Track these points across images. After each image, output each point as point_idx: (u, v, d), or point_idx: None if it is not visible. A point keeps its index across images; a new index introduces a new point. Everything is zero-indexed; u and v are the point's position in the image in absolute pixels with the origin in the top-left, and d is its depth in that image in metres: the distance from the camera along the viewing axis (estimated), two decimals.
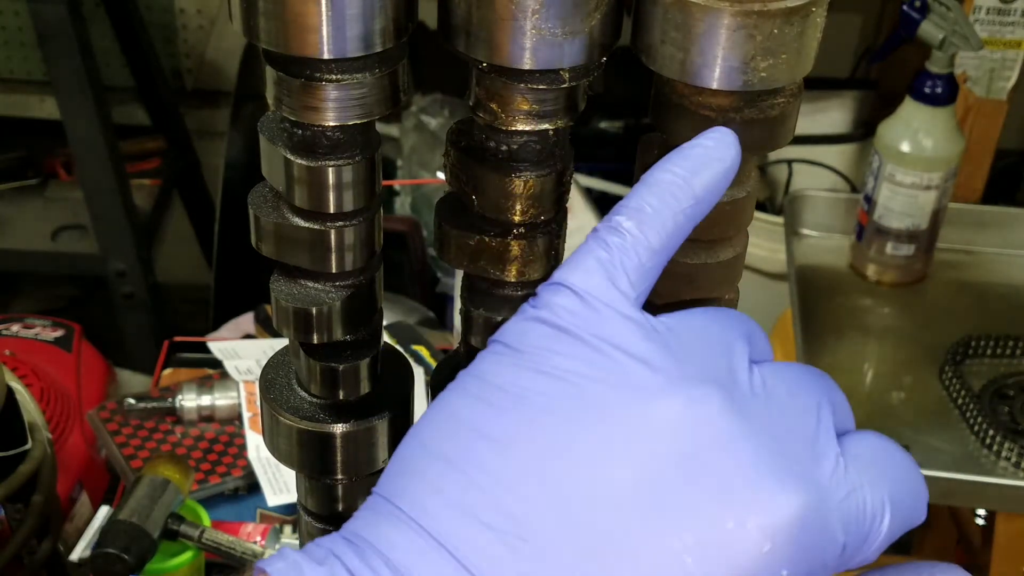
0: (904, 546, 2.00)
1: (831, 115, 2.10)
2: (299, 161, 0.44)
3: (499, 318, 0.48)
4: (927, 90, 1.48)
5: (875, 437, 0.39)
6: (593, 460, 0.35)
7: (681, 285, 0.46)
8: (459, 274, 0.50)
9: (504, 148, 0.44)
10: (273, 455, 0.54)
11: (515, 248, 0.46)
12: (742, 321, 0.40)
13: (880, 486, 0.37)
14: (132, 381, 1.83)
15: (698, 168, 0.39)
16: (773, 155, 2.03)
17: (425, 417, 0.38)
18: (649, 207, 0.38)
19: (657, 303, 0.47)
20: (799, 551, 0.35)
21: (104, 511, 1.12)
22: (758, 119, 0.42)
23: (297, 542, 0.83)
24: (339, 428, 0.51)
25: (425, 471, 0.36)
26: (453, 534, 0.34)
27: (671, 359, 0.36)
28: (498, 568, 0.34)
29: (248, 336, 1.58)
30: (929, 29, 1.46)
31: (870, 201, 1.55)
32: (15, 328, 1.69)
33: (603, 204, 2.06)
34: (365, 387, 0.52)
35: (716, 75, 0.40)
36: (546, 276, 0.48)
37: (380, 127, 0.47)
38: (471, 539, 0.34)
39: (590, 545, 0.34)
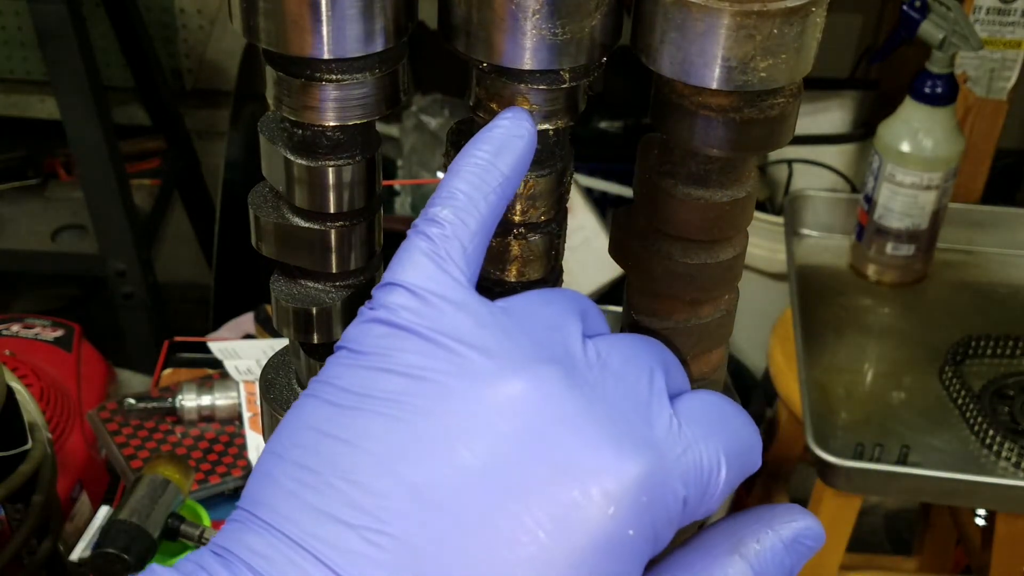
0: (905, 546, 2.00)
1: (831, 115, 2.09)
2: (299, 161, 0.45)
3: None
4: (927, 90, 1.48)
5: (707, 395, 0.41)
6: (440, 448, 0.36)
7: (681, 285, 0.46)
8: None
9: None
10: None
11: (515, 248, 0.46)
12: (575, 299, 0.41)
13: (714, 440, 0.39)
14: (132, 381, 1.83)
15: (500, 148, 0.41)
16: (773, 155, 2.03)
17: (279, 428, 0.39)
18: (461, 193, 0.40)
19: (656, 302, 0.47)
20: (643, 510, 0.36)
21: (104, 511, 1.12)
22: (758, 119, 0.42)
23: None
24: None
25: (280, 478, 0.37)
26: (312, 536, 0.35)
27: (507, 342, 0.38)
28: (359, 563, 0.35)
29: (248, 336, 1.58)
30: (929, 29, 1.46)
31: (870, 201, 1.55)
32: (15, 328, 1.70)
33: (603, 204, 2.06)
34: None
35: (716, 75, 0.40)
36: (546, 276, 0.48)
37: (380, 127, 0.47)
38: (330, 539, 0.35)
39: (445, 531, 0.35)
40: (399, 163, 2.13)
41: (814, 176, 2.01)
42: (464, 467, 0.36)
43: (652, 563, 0.39)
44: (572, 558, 0.35)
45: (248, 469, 1.28)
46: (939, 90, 1.48)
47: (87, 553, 1.07)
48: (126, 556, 1.02)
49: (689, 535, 0.41)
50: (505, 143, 0.41)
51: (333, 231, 0.46)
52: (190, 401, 1.36)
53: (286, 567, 0.35)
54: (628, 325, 0.49)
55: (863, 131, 2.06)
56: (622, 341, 0.40)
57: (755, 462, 0.41)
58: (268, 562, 0.36)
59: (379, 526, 0.35)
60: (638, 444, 0.37)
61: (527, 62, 0.41)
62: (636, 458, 0.36)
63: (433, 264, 0.39)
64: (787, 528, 0.41)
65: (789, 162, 2.04)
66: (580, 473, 0.36)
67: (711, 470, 0.38)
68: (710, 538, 0.41)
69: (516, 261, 0.46)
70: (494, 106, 0.43)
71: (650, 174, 0.45)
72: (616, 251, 0.48)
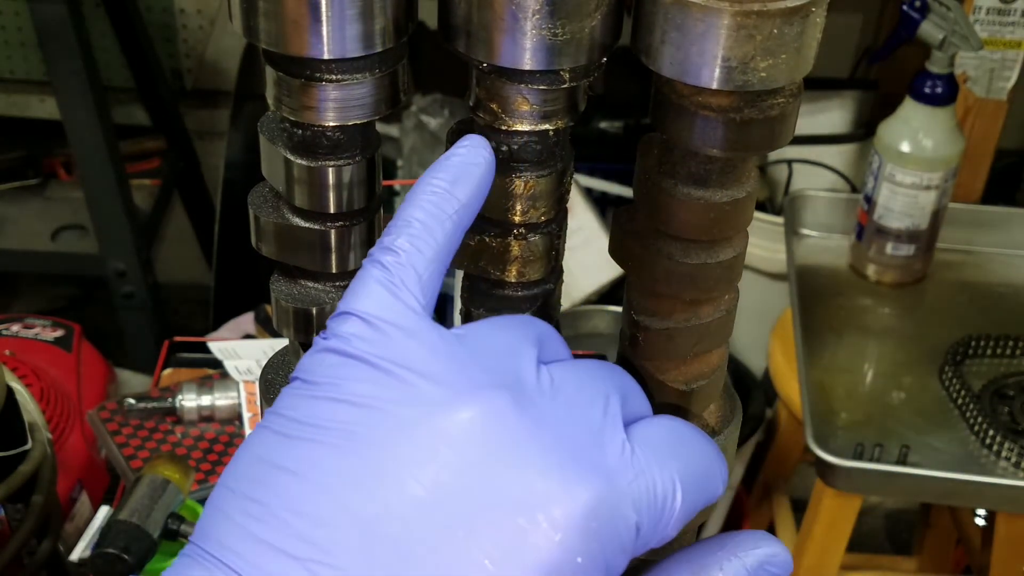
0: (905, 546, 2.00)
1: (831, 115, 2.09)
2: (299, 161, 0.45)
3: None
4: (927, 90, 1.48)
5: (666, 420, 0.41)
6: (387, 478, 0.36)
7: (681, 285, 0.46)
8: (459, 274, 0.50)
9: (504, 148, 0.44)
10: None
11: (515, 248, 0.46)
12: (531, 325, 0.41)
13: (668, 466, 0.38)
14: (132, 381, 1.83)
15: (457, 176, 0.41)
16: (773, 155, 2.03)
17: (232, 460, 0.39)
18: (416, 221, 0.40)
19: (656, 302, 0.47)
20: (591, 537, 0.36)
21: (104, 511, 1.12)
22: (758, 119, 0.42)
23: None
24: None
25: (230, 511, 0.37)
26: (257, 567, 0.35)
27: (458, 369, 0.37)
28: None
29: (248, 336, 1.58)
30: (929, 29, 1.46)
31: (870, 201, 1.55)
32: (15, 328, 1.70)
33: (603, 204, 2.06)
34: None
35: (716, 75, 0.40)
36: (546, 276, 0.48)
37: (380, 127, 0.47)
38: (275, 571, 0.35)
39: (391, 562, 0.35)
40: (399, 163, 2.13)
41: (814, 176, 2.02)
42: (411, 497, 0.35)
43: None
44: None
45: None
46: (939, 90, 1.48)
47: (87, 553, 1.07)
48: (126, 556, 1.02)
49: (658, 558, 0.41)
50: (462, 171, 0.41)
51: (333, 231, 0.46)
52: (190, 401, 1.36)
53: None
54: (628, 325, 0.49)
55: (863, 131, 2.06)
56: (579, 367, 0.40)
57: (716, 488, 0.41)
58: None
59: (325, 558, 0.35)
60: (586, 470, 0.36)
61: (527, 62, 0.41)
62: (584, 484, 0.36)
63: (387, 292, 0.39)
64: (751, 555, 0.41)
65: (789, 162, 2.04)
66: (527, 500, 0.36)
67: (665, 496, 0.38)
68: (672, 566, 0.41)
69: (516, 261, 0.46)
70: (494, 106, 0.43)
71: (650, 174, 0.45)
72: (616, 251, 0.48)
